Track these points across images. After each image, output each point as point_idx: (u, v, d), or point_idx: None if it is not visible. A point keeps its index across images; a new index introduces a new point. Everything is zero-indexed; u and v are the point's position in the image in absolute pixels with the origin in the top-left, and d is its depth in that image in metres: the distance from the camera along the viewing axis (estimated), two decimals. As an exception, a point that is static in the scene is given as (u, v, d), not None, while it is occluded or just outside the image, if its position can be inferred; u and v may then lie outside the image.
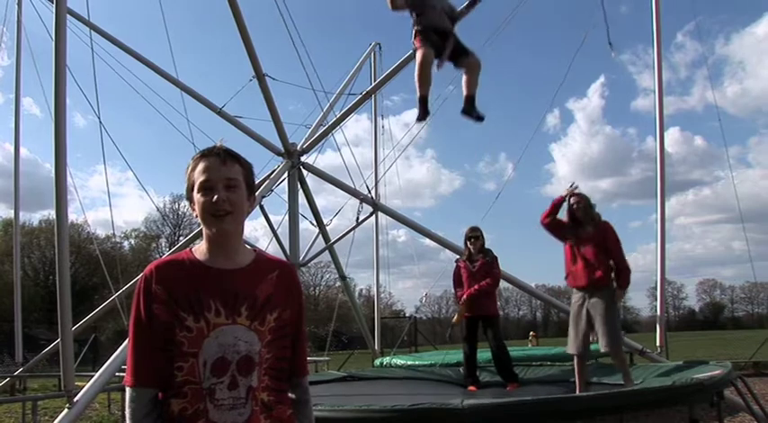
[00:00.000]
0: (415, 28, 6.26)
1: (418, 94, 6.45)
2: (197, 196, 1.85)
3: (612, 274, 5.76)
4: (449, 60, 6.33)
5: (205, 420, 1.74)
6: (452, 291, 7.86)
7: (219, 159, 1.86)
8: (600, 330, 5.63)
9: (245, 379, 1.78)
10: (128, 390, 1.82)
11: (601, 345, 5.69)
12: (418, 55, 6.16)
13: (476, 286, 7.19)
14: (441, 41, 6.21)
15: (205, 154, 1.88)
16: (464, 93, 6.44)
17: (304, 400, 1.99)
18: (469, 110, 6.43)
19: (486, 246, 7.47)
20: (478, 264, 7.30)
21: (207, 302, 1.78)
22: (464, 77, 6.43)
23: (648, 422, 7.07)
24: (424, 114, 6.57)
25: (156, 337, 1.79)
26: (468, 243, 7.44)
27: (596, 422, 6.30)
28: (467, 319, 7.31)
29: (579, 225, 5.90)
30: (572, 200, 5.96)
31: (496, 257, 7.38)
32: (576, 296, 5.87)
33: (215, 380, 1.75)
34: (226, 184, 1.83)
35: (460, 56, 6.35)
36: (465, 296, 7.26)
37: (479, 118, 6.52)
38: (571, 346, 5.88)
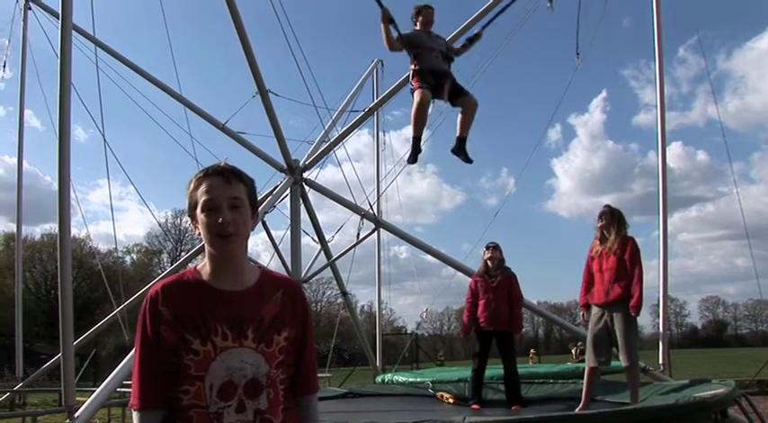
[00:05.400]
0: (413, 68, 6.50)
1: (413, 134, 6.68)
2: (201, 216, 1.80)
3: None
4: (446, 100, 6.60)
5: None
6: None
7: (223, 179, 1.82)
8: (620, 346, 5.61)
9: (253, 402, 1.75)
10: (135, 414, 1.78)
11: (621, 360, 5.67)
12: (416, 96, 6.39)
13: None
14: (438, 82, 6.44)
15: (209, 173, 1.84)
16: (457, 132, 6.67)
17: (304, 418, 1.91)
18: (459, 150, 6.71)
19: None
20: (498, 278, 6.94)
21: (213, 326, 1.75)
22: (459, 117, 6.65)
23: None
24: (415, 155, 6.89)
25: (163, 359, 1.76)
26: (488, 259, 7.04)
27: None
28: (481, 334, 6.95)
29: (604, 240, 5.85)
30: (598, 221, 5.91)
31: (515, 275, 7.06)
32: (596, 310, 5.83)
33: (222, 404, 1.73)
34: (230, 203, 1.80)
35: (458, 96, 6.59)
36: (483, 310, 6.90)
37: (467, 160, 6.83)
38: (590, 360, 5.84)
